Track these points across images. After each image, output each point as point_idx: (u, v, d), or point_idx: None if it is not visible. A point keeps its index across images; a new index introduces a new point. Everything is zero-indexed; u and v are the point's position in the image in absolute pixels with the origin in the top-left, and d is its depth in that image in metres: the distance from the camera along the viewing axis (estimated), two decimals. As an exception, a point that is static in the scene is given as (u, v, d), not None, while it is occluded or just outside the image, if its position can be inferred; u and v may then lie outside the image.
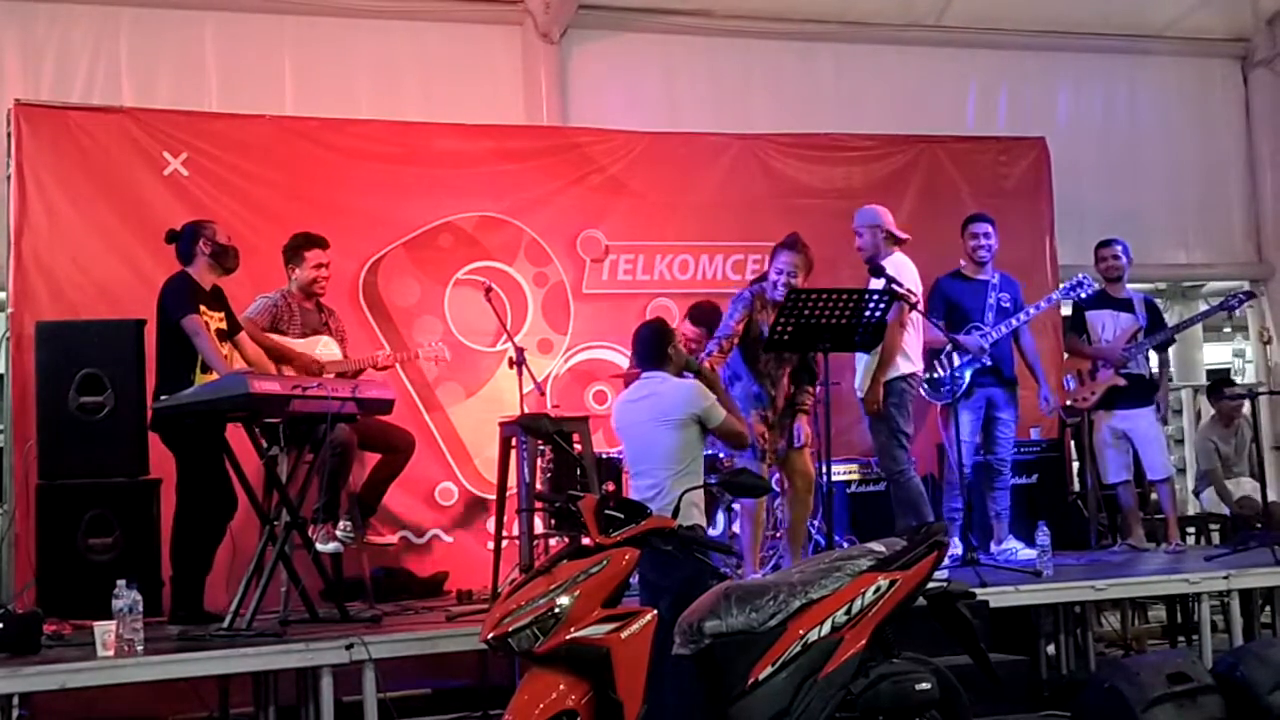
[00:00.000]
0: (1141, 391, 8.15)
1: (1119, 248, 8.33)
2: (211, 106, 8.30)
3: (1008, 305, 7.65)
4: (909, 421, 7.12)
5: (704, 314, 7.59)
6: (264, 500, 6.21)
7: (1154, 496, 8.71)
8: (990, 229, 7.85)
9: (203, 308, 6.25)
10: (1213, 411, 9.55)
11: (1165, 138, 10.77)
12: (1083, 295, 7.92)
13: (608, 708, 4.18)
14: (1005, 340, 7.70)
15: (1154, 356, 8.31)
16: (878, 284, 6.73)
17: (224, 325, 6.40)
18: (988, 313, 7.62)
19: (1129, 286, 8.42)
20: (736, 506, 7.88)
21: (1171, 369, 8.58)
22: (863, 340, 6.36)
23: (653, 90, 9.50)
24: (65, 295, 7.37)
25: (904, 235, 7.22)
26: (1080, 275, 7.97)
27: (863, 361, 7.05)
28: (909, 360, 7.08)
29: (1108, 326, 8.24)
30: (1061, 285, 7.85)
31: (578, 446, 6.84)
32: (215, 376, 6.05)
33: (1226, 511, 9.01)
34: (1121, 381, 8.11)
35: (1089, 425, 8.90)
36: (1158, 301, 8.68)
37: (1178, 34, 10.76)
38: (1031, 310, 7.74)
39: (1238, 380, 11.54)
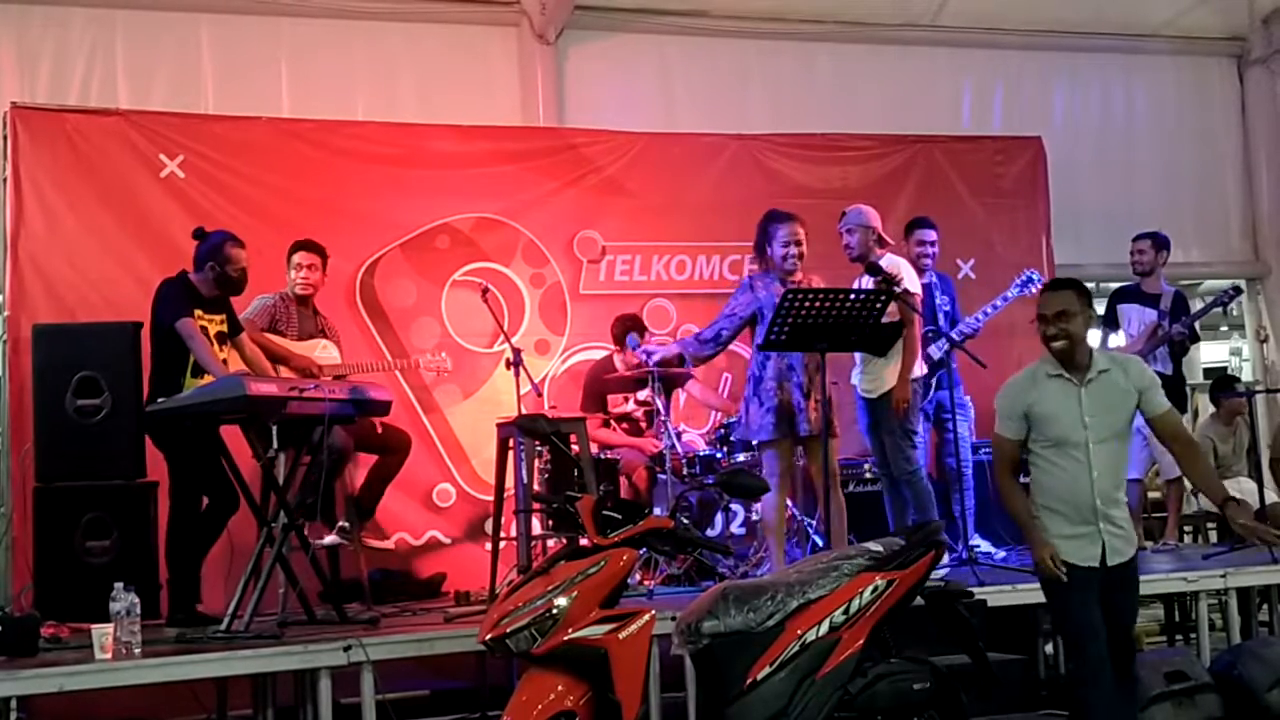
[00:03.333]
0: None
1: (1146, 242, 8.26)
2: (208, 109, 8.30)
3: (948, 308, 7.57)
4: (919, 422, 7.15)
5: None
6: (261, 502, 6.20)
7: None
8: (936, 235, 7.78)
9: (198, 311, 6.24)
10: (1212, 409, 9.53)
11: (1161, 137, 10.77)
12: (1032, 291, 7.72)
13: (606, 708, 4.18)
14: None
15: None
16: (867, 283, 6.73)
17: (224, 328, 6.39)
18: (938, 314, 7.55)
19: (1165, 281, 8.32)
20: (735, 508, 7.90)
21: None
22: (859, 340, 6.35)
23: (649, 91, 9.50)
24: (62, 298, 7.38)
25: (890, 239, 7.20)
26: (1030, 271, 7.86)
27: (874, 362, 6.96)
28: (920, 362, 7.08)
29: (1134, 321, 8.19)
30: (1014, 282, 7.77)
31: (575, 447, 6.84)
32: (205, 380, 6.05)
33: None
34: None
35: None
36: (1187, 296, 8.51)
37: (1174, 33, 10.77)
38: (989, 310, 7.65)
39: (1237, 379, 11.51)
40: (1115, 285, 8.70)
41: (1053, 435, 4.96)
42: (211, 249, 6.32)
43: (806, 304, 6.14)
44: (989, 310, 7.63)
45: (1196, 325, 8.30)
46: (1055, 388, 5.00)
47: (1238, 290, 8.11)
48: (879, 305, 6.28)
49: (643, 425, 7.84)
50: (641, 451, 7.64)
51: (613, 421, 7.85)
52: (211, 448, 6.09)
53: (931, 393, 7.50)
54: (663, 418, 7.54)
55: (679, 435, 7.78)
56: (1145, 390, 4.97)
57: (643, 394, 7.69)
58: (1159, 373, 7.98)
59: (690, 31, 9.59)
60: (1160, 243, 8.27)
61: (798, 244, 6.70)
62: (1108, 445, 4.93)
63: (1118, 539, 4.93)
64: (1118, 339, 8.29)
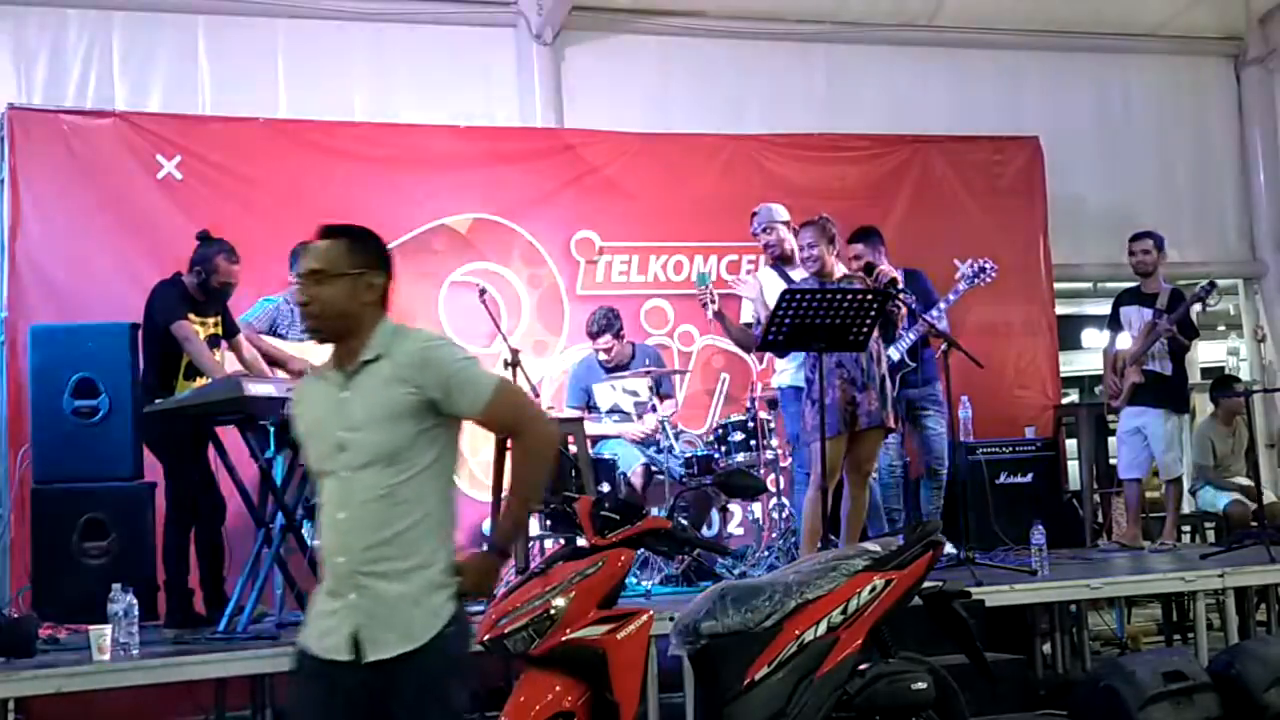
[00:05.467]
0: (1156, 390, 8.09)
1: (1149, 242, 8.23)
2: (205, 109, 8.30)
3: (915, 305, 7.56)
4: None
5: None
6: (259, 503, 6.20)
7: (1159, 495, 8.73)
8: (862, 248, 7.54)
9: (191, 315, 6.22)
10: (1212, 409, 9.55)
11: (1159, 136, 10.78)
12: (985, 281, 7.61)
13: (604, 709, 4.17)
14: (920, 340, 7.51)
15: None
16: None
17: (217, 330, 6.38)
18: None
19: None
20: (733, 508, 7.90)
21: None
22: (856, 340, 6.34)
23: (646, 91, 9.50)
24: (59, 299, 7.38)
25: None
26: (983, 261, 7.63)
27: None
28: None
29: (1134, 322, 8.19)
30: (966, 273, 7.65)
31: (573, 448, 6.84)
32: (199, 383, 6.05)
33: (1220, 506, 8.98)
34: (1140, 379, 8.07)
35: (1088, 423, 8.89)
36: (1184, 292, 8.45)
37: (1171, 33, 10.78)
38: (943, 305, 7.57)
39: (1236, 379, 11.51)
40: (1113, 285, 8.69)
41: (311, 463, 3.40)
42: (204, 255, 6.29)
43: (803, 304, 6.14)
44: (944, 305, 7.56)
45: (1195, 323, 8.28)
46: (316, 391, 3.40)
47: (1212, 285, 8.07)
48: (877, 305, 6.28)
49: (633, 418, 7.85)
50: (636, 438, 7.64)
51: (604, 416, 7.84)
52: (202, 455, 6.09)
53: (897, 390, 7.44)
54: (661, 417, 7.55)
55: (678, 435, 7.78)
56: (437, 390, 3.27)
57: (629, 383, 7.69)
58: (1156, 372, 8.10)
59: (688, 32, 9.58)
60: (1160, 242, 8.28)
61: (812, 247, 6.66)
62: (372, 473, 3.23)
63: (377, 624, 3.20)
64: (1124, 341, 8.30)
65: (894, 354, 7.31)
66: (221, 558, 6.32)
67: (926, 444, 7.59)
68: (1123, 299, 8.38)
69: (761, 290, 6.97)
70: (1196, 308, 8.07)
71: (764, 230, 7.17)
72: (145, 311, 6.32)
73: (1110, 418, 8.78)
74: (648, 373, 7.66)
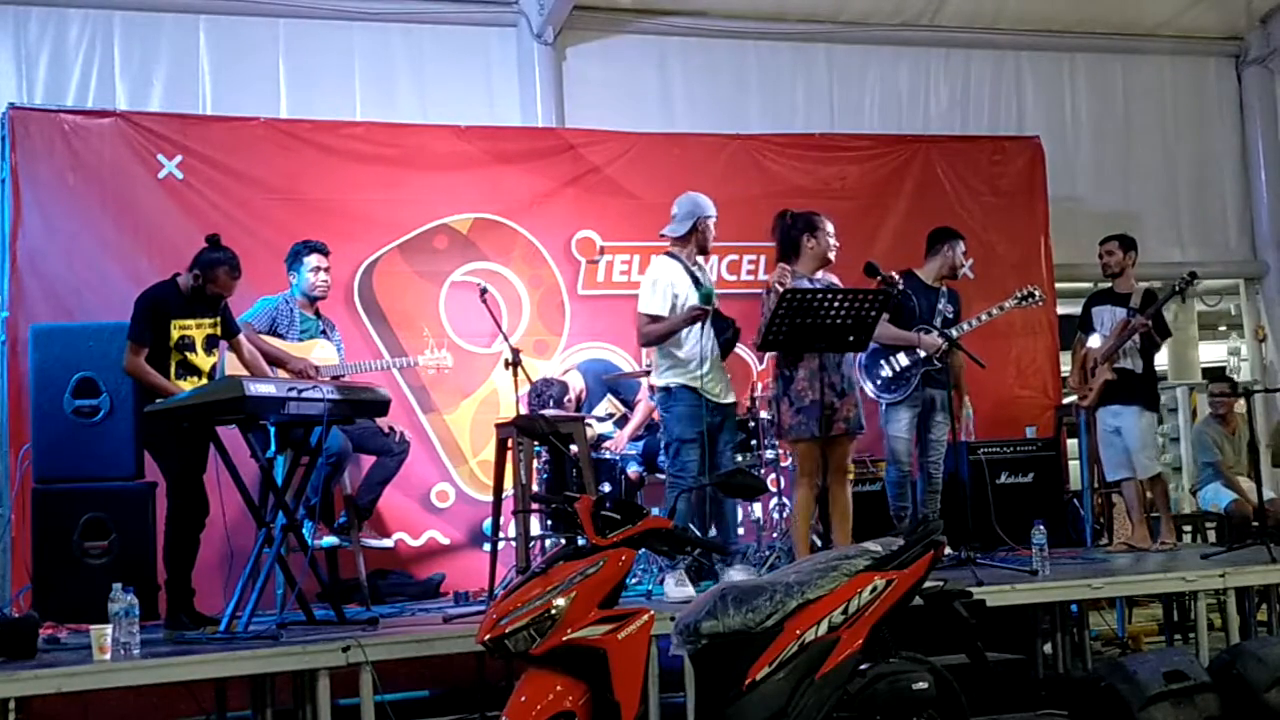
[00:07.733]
0: (1128, 388, 8.10)
1: (1113, 243, 8.28)
2: (205, 109, 8.32)
3: (950, 316, 7.56)
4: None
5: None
6: (259, 503, 6.19)
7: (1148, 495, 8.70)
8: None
9: (177, 321, 6.16)
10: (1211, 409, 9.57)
11: (1160, 136, 10.80)
12: (1031, 304, 7.70)
13: (605, 709, 4.17)
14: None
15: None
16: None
17: (215, 330, 6.35)
18: (936, 319, 7.51)
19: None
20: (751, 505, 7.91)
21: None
22: (856, 340, 6.34)
23: (648, 91, 9.52)
24: (60, 298, 7.39)
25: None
26: (1032, 287, 7.70)
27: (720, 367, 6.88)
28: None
29: (1106, 321, 8.20)
30: (1014, 294, 7.68)
31: (574, 448, 6.84)
32: (190, 384, 6.03)
33: (1221, 505, 8.97)
34: (1112, 376, 8.08)
35: (1089, 423, 8.89)
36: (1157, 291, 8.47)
37: (1172, 32, 10.80)
38: (984, 316, 7.60)
39: (1236, 378, 11.51)
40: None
41: None
42: (206, 262, 6.14)
43: (804, 304, 6.13)
44: (982, 317, 7.58)
45: (1168, 322, 8.30)
46: None
47: (1193, 276, 8.10)
48: (876, 305, 6.29)
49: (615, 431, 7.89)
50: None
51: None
52: (199, 452, 6.08)
53: (920, 390, 7.44)
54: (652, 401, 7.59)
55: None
56: None
57: (598, 411, 7.80)
58: (1127, 370, 8.10)
59: (689, 32, 9.60)
60: (1127, 243, 8.29)
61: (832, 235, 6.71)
62: None
63: None
64: (1094, 340, 8.30)
65: (922, 351, 7.32)
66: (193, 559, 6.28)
67: (928, 445, 7.58)
68: (1094, 300, 8.39)
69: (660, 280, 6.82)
70: (1176, 300, 8.09)
71: (696, 229, 6.99)
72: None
73: (1071, 418, 8.79)
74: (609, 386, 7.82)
